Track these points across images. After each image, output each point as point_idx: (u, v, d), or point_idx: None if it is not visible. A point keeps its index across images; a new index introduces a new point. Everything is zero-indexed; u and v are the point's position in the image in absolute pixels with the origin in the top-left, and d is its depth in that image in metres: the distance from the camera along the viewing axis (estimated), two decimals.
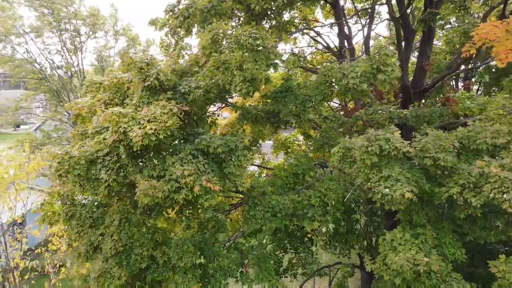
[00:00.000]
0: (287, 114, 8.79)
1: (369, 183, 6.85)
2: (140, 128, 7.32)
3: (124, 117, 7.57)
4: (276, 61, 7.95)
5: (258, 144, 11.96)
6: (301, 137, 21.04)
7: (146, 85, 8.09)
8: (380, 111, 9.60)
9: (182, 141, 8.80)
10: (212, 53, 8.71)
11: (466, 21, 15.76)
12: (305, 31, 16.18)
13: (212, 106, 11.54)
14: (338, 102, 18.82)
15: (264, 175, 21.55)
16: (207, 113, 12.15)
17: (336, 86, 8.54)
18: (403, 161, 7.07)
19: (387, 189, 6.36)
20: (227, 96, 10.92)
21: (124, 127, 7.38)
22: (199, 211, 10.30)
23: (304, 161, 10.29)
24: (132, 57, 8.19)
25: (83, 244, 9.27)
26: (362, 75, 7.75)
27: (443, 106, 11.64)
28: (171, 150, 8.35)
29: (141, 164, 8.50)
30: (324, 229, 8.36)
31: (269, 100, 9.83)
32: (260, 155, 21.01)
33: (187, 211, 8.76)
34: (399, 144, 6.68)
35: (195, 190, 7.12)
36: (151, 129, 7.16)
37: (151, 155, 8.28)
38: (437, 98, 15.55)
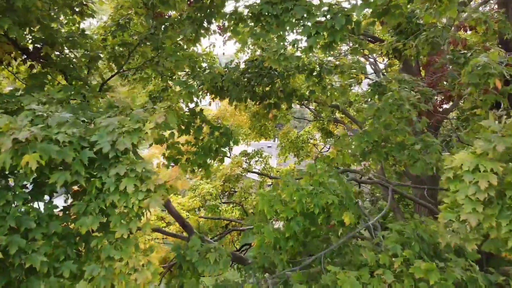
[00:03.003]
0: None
1: None
2: None
3: None
4: None
5: (233, 141, 5.72)
6: (317, 135, 15.37)
7: None
8: None
9: None
10: None
11: None
12: None
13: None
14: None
15: (268, 185, 16.03)
16: None
17: None
18: None
19: None
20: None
21: None
22: None
23: (327, 182, 4.29)
24: None
25: None
26: None
27: None
28: None
29: None
30: None
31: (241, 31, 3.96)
32: (262, 159, 15.29)
33: None
34: None
35: None
36: None
37: None
38: None
